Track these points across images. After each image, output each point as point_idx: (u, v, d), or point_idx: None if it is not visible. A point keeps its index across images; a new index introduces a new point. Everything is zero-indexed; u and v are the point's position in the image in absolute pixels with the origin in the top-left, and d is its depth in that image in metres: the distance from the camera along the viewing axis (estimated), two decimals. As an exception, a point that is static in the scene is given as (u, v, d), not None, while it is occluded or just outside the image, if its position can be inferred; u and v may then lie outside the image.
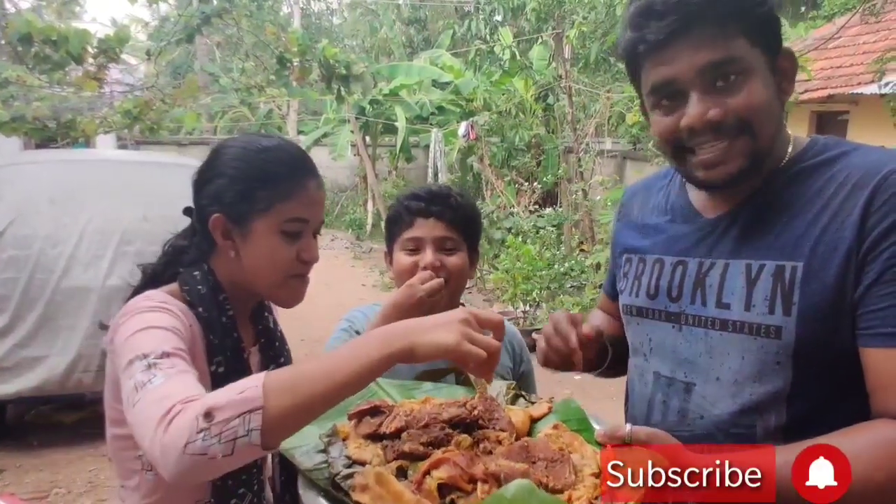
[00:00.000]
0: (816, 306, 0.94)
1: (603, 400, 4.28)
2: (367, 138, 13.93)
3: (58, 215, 4.12)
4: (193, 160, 5.91)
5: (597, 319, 1.40)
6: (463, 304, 1.34)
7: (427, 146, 12.32)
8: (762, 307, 0.98)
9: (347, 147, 13.29)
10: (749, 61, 0.95)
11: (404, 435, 0.99)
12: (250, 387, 0.82)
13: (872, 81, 5.36)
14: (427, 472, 0.89)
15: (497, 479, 0.86)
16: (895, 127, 4.61)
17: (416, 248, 1.43)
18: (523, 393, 1.18)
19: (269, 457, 1.22)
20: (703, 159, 0.99)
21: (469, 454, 0.92)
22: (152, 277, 1.22)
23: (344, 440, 1.01)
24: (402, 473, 0.93)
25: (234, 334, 1.15)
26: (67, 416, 4.46)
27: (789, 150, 1.04)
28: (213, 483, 1.10)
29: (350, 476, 0.92)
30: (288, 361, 1.31)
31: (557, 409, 1.07)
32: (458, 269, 1.44)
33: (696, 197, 1.13)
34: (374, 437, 1.01)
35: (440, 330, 0.86)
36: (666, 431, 0.94)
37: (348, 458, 0.96)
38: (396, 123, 12.79)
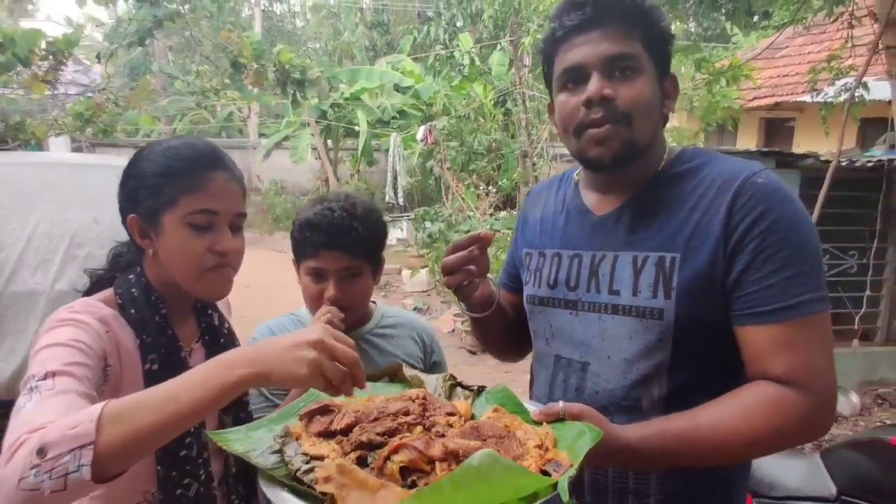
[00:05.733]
0: (691, 288, 1.11)
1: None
2: (329, 142, 13.91)
3: (5, 218, 4.06)
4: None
5: None
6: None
7: (388, 150, 12.37)
8: (647, 292, 1.14)
9: (308, 150, 13.24)
10: (643, 63, 1.14)
11: (356, 429, 1.02)
12: (84, 421, 0.81)
13: (805, 92, 5.62)
14: (387, 458, 0.92)
15: (455, 456, 0.91)
16: (826, 135, 4.85)
17: (320, 275, 1.47)
18: (460, 381, 1.25)
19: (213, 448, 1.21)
20: (593, 134, 1.15)
21: (425, 438, 0.95)
22: (96, 283, 1.28)
23: (297, 440, 1.03)
24: (361, 463, 0.95)
25: (168, 332, 1.20)
26: (15, 422, 4.37)
27: (665, 157, 1.22)
28: (158, 474, 1.15)
29: (311, 471, 0.93)
30: None
31: (492, 396, 1.18)
32: (361, 292, 1.52)
33: (588, 198, 1.30)
34: (327, 434, 1.04)
35: (294, 359, 0.86)
36: None
37: (305, 454, 0.98)
38: (358, 127, 12.81)
